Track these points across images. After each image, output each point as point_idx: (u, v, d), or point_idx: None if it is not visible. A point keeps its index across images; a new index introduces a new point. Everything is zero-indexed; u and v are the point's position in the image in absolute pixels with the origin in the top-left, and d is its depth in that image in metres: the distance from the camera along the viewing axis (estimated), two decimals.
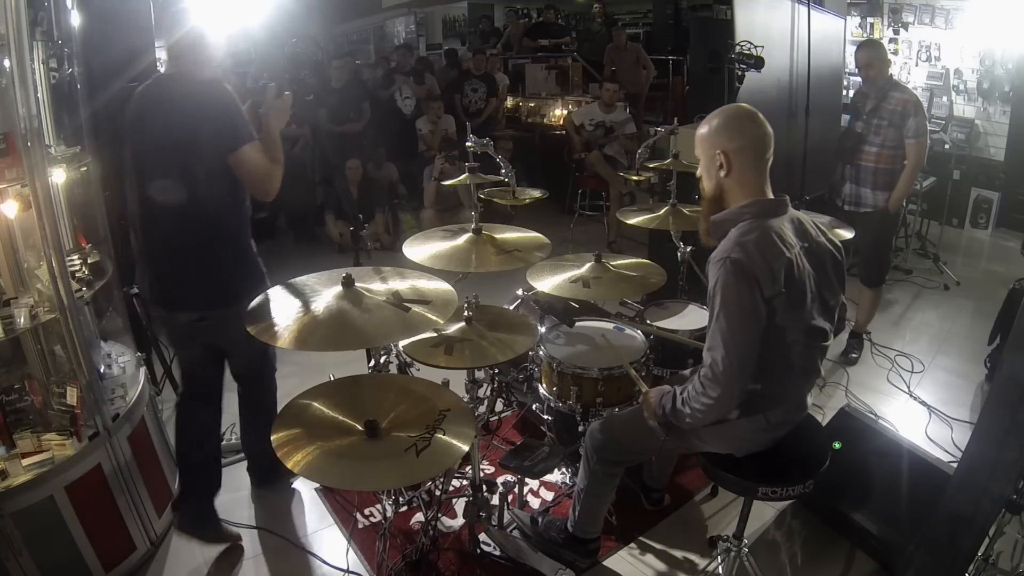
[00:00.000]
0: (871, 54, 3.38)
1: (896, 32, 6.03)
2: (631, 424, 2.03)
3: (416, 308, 1.79)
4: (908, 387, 3.40)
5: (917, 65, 5.96)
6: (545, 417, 2.59)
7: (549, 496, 2.64)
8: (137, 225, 2.12)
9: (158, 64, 3.00)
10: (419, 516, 2.49)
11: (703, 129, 1.76)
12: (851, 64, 6.19)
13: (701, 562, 2.33)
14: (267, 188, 2.07)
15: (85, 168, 2.46)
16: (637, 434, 2.00)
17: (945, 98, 5.85)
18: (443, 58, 8.70)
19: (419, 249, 2.34)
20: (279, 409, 1.72)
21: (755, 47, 3.49)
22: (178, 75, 2.04)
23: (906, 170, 3.38)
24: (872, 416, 2.87)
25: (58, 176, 2.26)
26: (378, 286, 1.89)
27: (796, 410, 1.86)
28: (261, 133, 2.07)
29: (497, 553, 2.29)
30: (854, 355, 3.66)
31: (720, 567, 2.10)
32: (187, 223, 2.02)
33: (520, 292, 2.92)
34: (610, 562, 2.33)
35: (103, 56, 2.87)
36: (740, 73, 3.45)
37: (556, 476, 2.65)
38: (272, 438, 1.58)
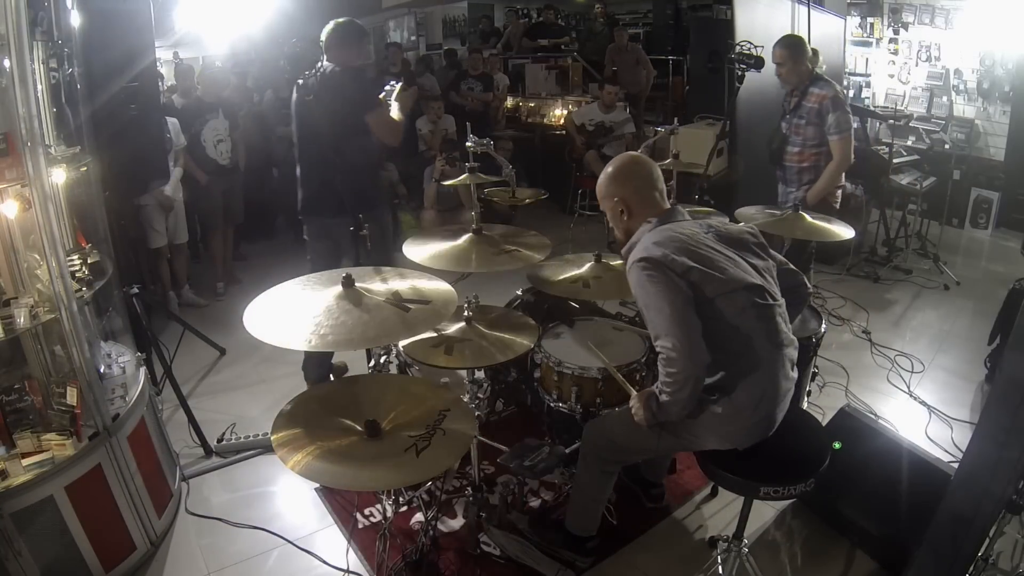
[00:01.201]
0: (779, 52, 3.32)
1: (896, 32, 6.03)
2: (626, 424, 2.03)
3: (416, 308, 1.79)
4: (908, 387, 3.40)
5: (917, 65, 5.96)
6: (545, 417, 2.59)
7: (549, 496, 2.63)
8: (306, 160, 3.05)
9: (158, 64, 3.11)
10: (419, 516, 2.49)
11: (599, 187, 2.01)
12: (851, 64, 6.24)
13: (701, 562, 2.32)
14: (391, 138, 3.02)
15: (85, 168, 2.46)
16: (633, 433, 2.00)
17: (945, 98, 5.84)
18: (443, 58, 8.70)
19: (419, 249, 2.34)
20: (282, 407, 1.72)
21: (755, 47, 3.48)
22: (334, 64, 2.92)
23: (829, 166, 3.30)
24: (872, 416, 2.87)
25: (58, 176, 2.26)
26: (378, 286, 1.89)
27: (780, 381, 1.82)
28: (382, 106, 2.97)
29: (497, 553, 2.29)
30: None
31: (720, 567, 2.10)
32: (340, 156, 2.86)
33: (520, 292, 2.92)
34: (610, 562, 2.33)
35: (103, 56, 2.87)
36: (740, 73, 3.44)
37: (556, 476, 2.65)
38: (272, 438, 1.59)
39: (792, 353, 1.88)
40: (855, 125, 3.37)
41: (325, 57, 2.94)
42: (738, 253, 1.87)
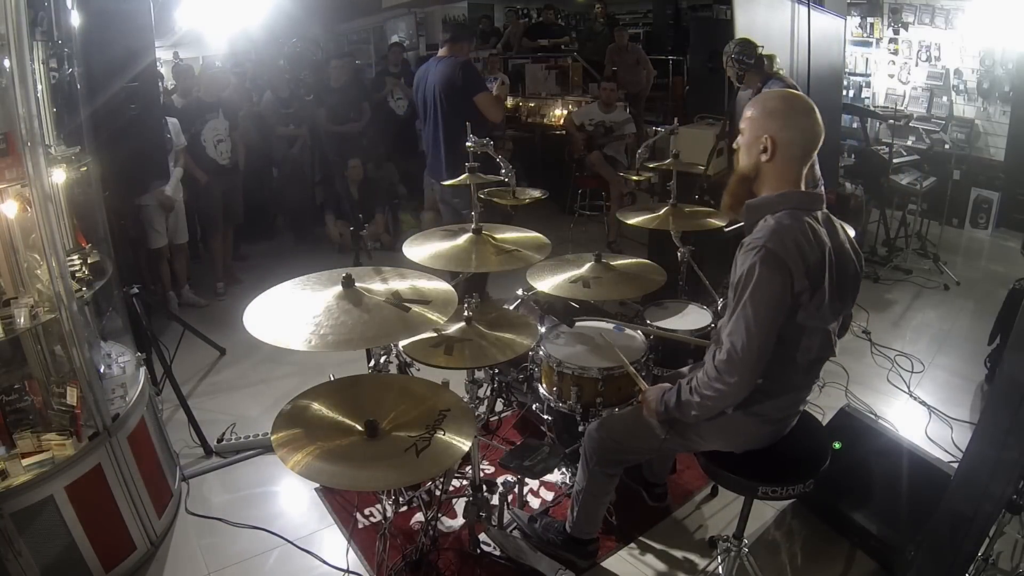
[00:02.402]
0: (722, 58, 3.34)
1: (896, 32, 6.03)
2: (630, 424, 2.03)
3: (416, 308, 1.79)
4: (908, 387, 3.40)
5: (917, 65, 5.96)
6: (545, 417, 2.59)
7: (549, 496, 2.63)
8: (423, 132, 3.99)
9: (158, 64, 3.17)
10: (419, 516, 2.49)
11: (757, 108, 1.70)
12: (851, 64, 6.24)
13: (701, 562, 2.33)
14: (494, 116, 3.77)
15: (85, 168, 2.46)
16: (636, 434, 2.00)
17: (945, 98, 5.84)
18: None
19: (419, 249, 2.34)
20: (282, 407, 1.72)
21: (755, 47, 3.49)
22: (448, 56, 3.74)
23: None
24: (872, 416, 2.87)
25: (58, 176, 2.26)
26: (378, 286, 1.89)
27: (794, 404, 1.85)
28: (487, 89, 3.75)
29: (497, 553, 2.29)
30: None
31: (720, 567, 2.10)
32: (451, 130, 3.65)
33: (520, 292, 2.92)
34: (610, 562, 2.33)
35: (103, 56, 2.87)
36: (740, 73, 3.44)
37: (556, 476, 2.65)
38: (272, 438, 1.58)
39: (814, 382, 1.87)
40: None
41: (442, 49, 3.81)
42: (840, 288, 1.68)
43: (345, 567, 2.29)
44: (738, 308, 1.62)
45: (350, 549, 2.37)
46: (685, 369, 2.23)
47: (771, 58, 3.43)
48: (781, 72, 3.37)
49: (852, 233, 2.69)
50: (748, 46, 3.35)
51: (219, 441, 2.97)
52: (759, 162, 1.69)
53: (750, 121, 1.71)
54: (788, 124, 1.65)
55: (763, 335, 1.60)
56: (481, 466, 2.61)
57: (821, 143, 1.69)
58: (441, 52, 3.83)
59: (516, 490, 2.54)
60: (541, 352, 2.47)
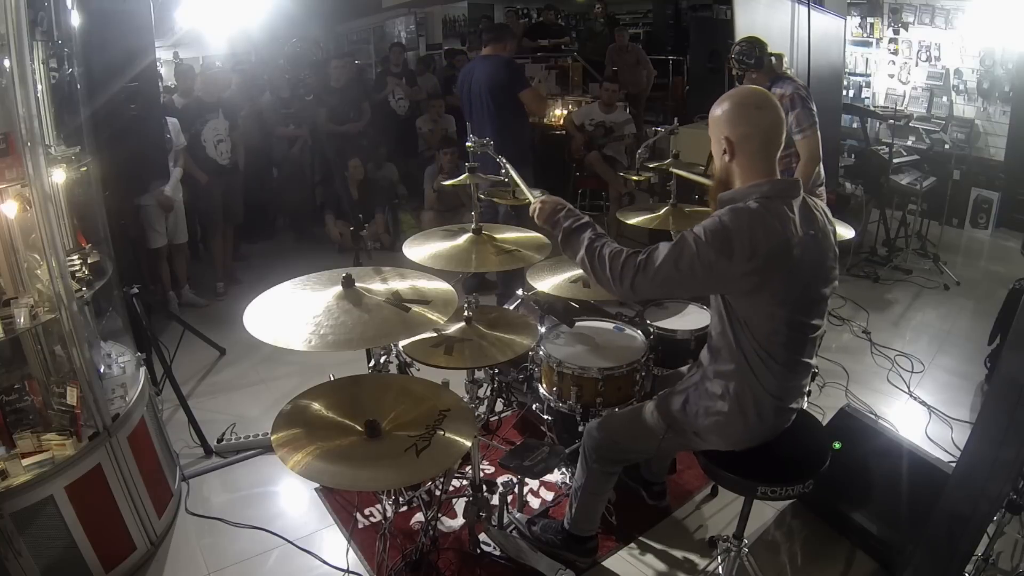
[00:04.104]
0: (732, 57, 3.29)
1: (896, 32, 6.03)
2: (629, 424, 2.03)
3: (416, 308, 1.79)
4: (908, 387, 3.40)
5: (917, 65, 5.96)
6: (545, 417, 2.59)
7: (549, 496, 2.64)
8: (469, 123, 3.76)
9: (158, 64, 3.19)
10: (419, 516, 2.49)
11: (715, 111, 1.73)
12: (851, 64, 6.24)
13: (701, 562, 2.33)
14: (539, 111, 4.48)
15: (85, 168, 2.46)
16: (635, 434, 2.00)
17: (945, 98, 5.84)
18: (443, 58, 8.70)
19: (419, 249, 2.34)
20: (282, 407, 1.72)
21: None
22: (492, 55, 3.98)
23: (799, 166, 3.22)
24: (872, 416, 2.87)
25: (58, 176, 2.26)
26: (378, 286, 1.89)
27: (790, 398, 1.82)
28: (529, 86, 4.04)
29: (497, 553, 2.29)
30: None
31: (720, 567, 2.10)
32: (500, 125, 3.84)
33: (520, 292, 2.92)
34: (610, 562, 2.33)
35: (103, 56, 2.88)
36: (739, 73, 3.44)
37: (556, 476, 2.65)
38: (272, 438, 1.59)
39: (808, 374, 1.86)
40: (817, 120, 3.22)
41: (486, 48, 4.02)
42: (814, 273, 1.70)
43: (345, 567, 2.29)
44: (678, 244, 1.64)
45: (350, 549, 2.37)
46: (684, 368, 2.23)
47: (779, 57, 3.41)
48: (789, 71, 3.35)
49: (849, 234, 2.71)
50: (749, 46, 3.34)
51: (219, 441, 2.97)
52: (724, 163, 1.74)
53: (710, 126, 1.76)
54: (738, 121, 1.68)
55: (664, 281, 1.63)
56: (481, 466, 2.61)
57: (780, 127, 1.69)
58: (485, 51, 4.03)
59: (516, 490, 2.54)
60: (541, 352, 2.47)
